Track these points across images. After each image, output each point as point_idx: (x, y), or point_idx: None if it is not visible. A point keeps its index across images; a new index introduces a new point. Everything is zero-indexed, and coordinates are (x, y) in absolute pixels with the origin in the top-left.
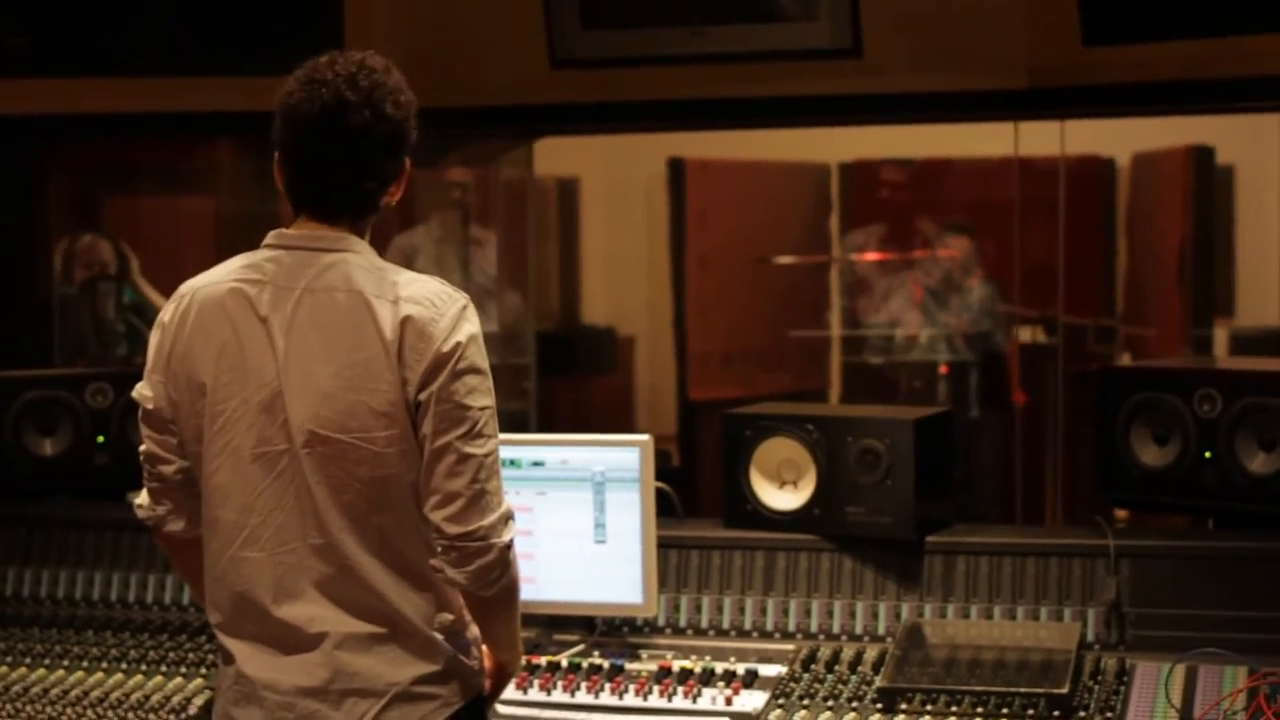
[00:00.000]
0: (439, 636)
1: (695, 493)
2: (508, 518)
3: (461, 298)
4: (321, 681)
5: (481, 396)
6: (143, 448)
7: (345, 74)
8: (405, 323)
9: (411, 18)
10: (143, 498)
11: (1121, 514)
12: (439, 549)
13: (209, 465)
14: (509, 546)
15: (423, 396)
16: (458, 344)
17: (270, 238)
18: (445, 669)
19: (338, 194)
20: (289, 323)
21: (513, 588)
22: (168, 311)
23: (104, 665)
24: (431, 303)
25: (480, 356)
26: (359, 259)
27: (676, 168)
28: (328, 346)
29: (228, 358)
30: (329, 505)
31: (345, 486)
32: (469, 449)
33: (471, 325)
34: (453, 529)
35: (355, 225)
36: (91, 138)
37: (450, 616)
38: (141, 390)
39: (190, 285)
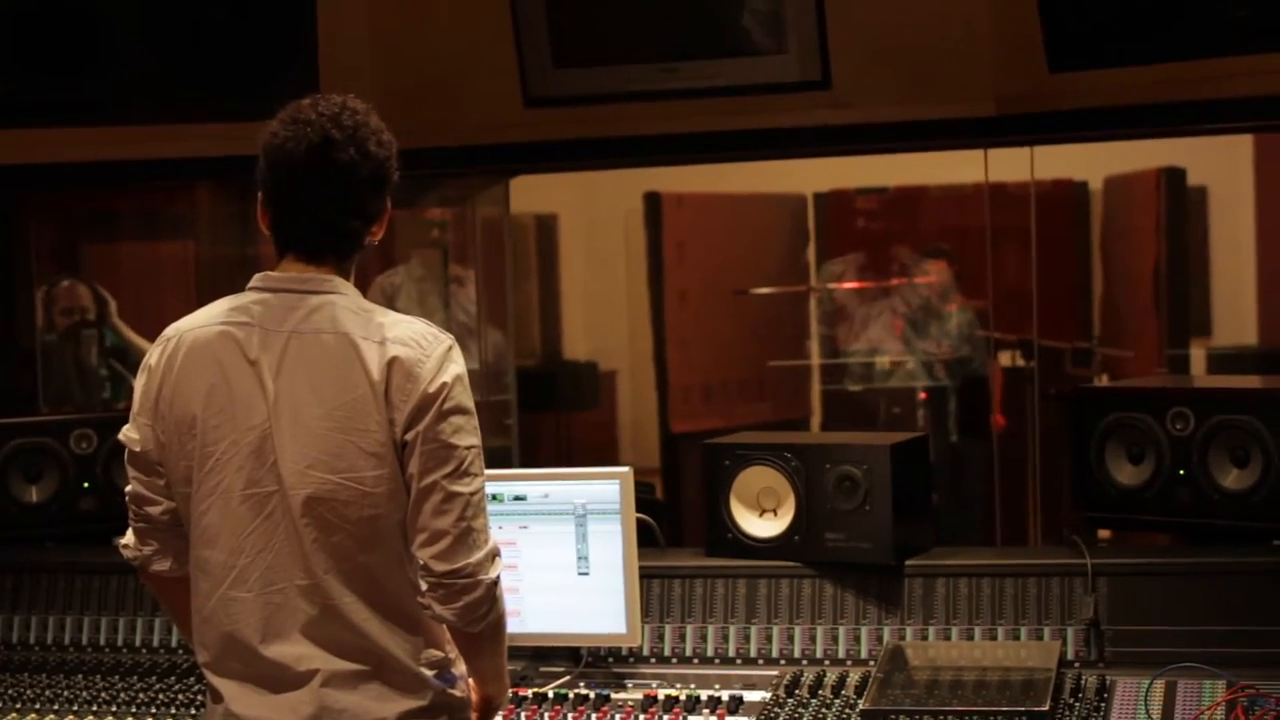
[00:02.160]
0: (426, 672)
1: (680, 524)
2: (495, 554)
3: (447, 338)
4: (308, 719)
5: (467, 435)
6: (129, 489)
7: (329, 114)
8: (392, 364)
9: (386, 60)
10: (128, 538)
11: (1105, 534)
12: (426, 586)
13: (198, 506)
14: (496, 583)
15: (409, 436)
16: (444, 384)
17: (256, 280)
18: (432, 704)
19: (323, 232)
20: (278, 365)
21: (499, 623)
22: (154, 354)
23: (94, 709)
24: (418, 344)
25: (466, 396)
26: (345, 300)
27: (653, 202)
28: (316, 389)
29: (216, 400)
30: (316, 546)
31: (334, 527)
32: (455, 487)
33: (457, 366)
34: (440, 566)
35: (340, 265)
36: (69, 186)
37: (437, 653)
38: (128, 433)
39: (177, 328)
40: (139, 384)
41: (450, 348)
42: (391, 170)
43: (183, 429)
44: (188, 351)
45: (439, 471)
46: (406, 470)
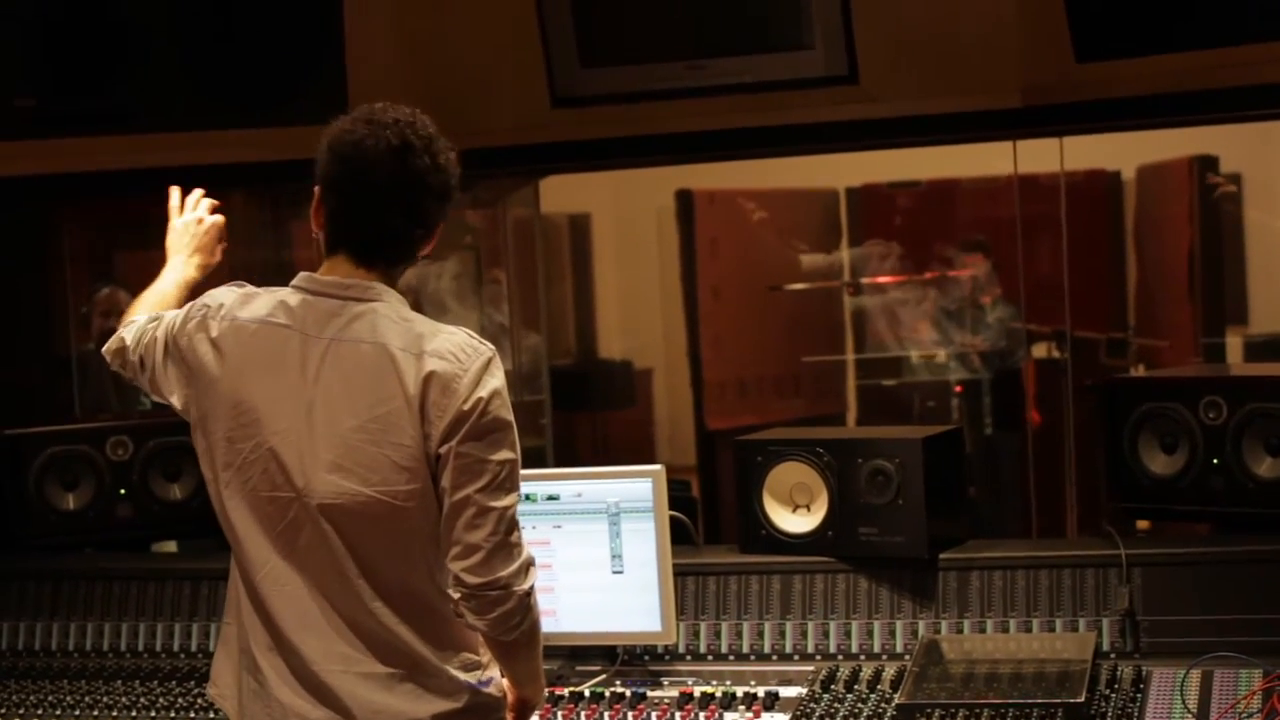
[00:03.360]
0: (460, 674)
1: (718, 521)
2: (529, 565)
3: (487, 350)
4: (346, 716)
5: (504, 450)
6: (134, 356)
7: (405, 119)
8: (429, 378)
9: (413, 64)
10: (114, 357)
11: (1143, 524)
12: (459, 596)
13: (228, 500)
14: (529, 593)
15: (443, 450)
16: (480, 399)
17: (301, 280)
18: (467, 706)
19: (383, 235)
20: (315, 372)
21: (534, 630)
22: (196, 323)
23: (133, 714)
24: (456, 357)
25: (505, 410)
26: (387, 309)
27: (685, 200)
28: (351, 398)
29: (248, 400)
30: (346, 554)
31: (364, 537)
32: (490, 502)
33: (495, 379)
34: (473, 579)
35: (389, 272)
36: (103, 194)
37: (471, 656)
38: (164, 375)
39: (225, 307)
40: (176, 336)
41: (489, 360)
42: (456, 186)
43: (213, 419)
44: (230, 344)
45: (473, 485)
46: (440, 483)
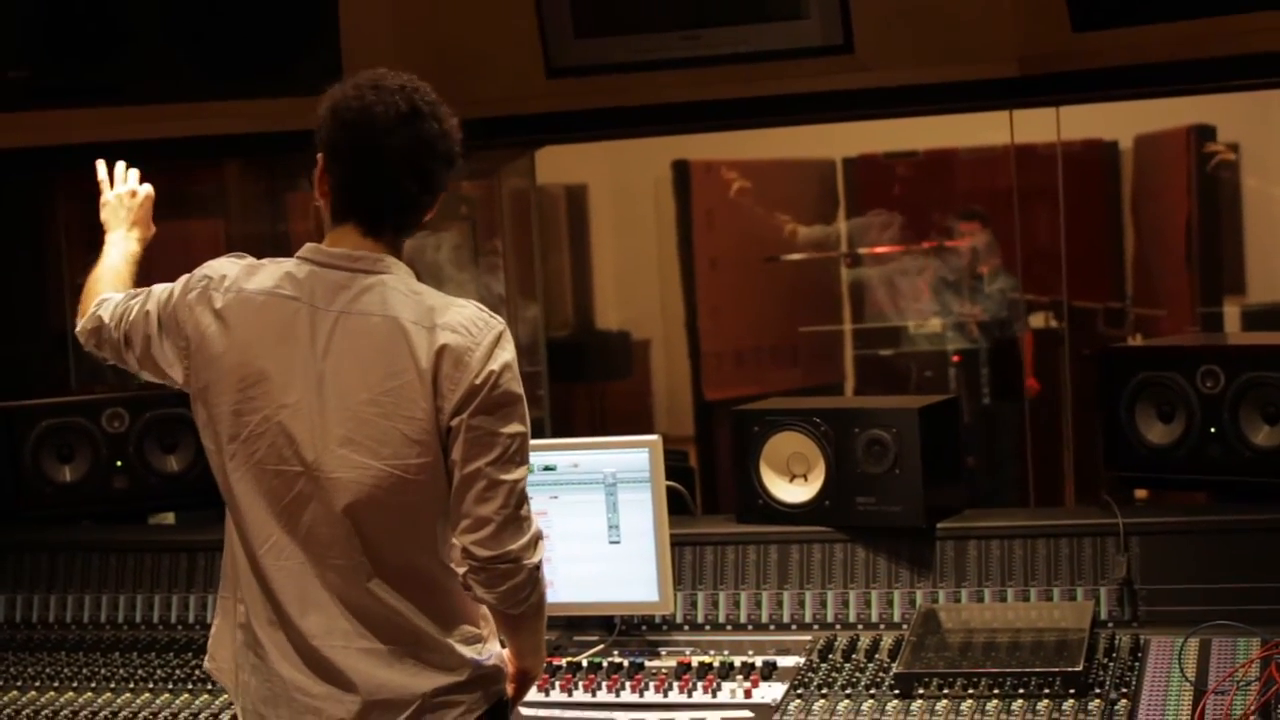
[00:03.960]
0: (461, 648)
1: (715, 492)
2: (538, 539)
3: (498, 324)
4: (348, 690)
5: (514, 423)
6: (117, 334)
7: (410, 85)
8: (441, 351)
9: (407, 34)
10: (87, 337)
11: (1142, 494)
12: (467, 569)
13: (232, 472)
14: (538, 566)
15: (454, 423)
16: (491, 372)
17: (306, 251)
18: (469, 679)
19: (392, 200)
20: (325, 345)
21: (540, 604)
22: (198, 294)
23: (131, 686)
24: (468, 330)
25: (515, 383)
26: (397, 281)
27: (681, 170)
28: (362, 371)
29: (255, 372)
30: (352, 529)
31: (372, 512)
32: (500, 475)
33: (506, 353)
34: (483, 552)
35: (395, 240)
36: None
37: (471, 629)
38: (160, 349)
39: (229, 278)
40: (175, 308)
41: (500, 334)
42: (459, 153)
43: (215, 391)
44: (235, 315)
45: (483, 458)
46: (450, 456)
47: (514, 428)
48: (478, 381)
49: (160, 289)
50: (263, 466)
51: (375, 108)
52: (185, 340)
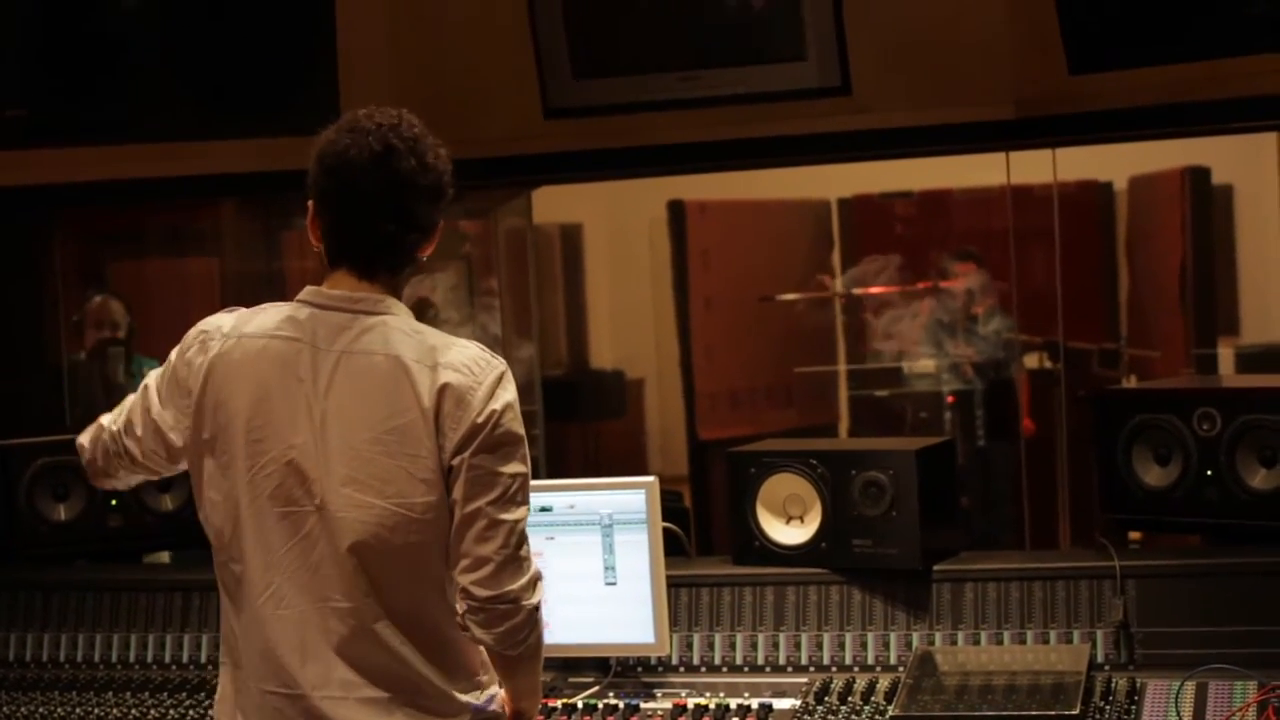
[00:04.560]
0: (461, 696)
1: (710, 532)
2: (536, 580)
3: (500, 364)
4: None
5: (515, 464)
6: (115, 427)
7: (389, 123)
8: (443, 390)
9: (405, 74)
10: (87, 440)
11: (1135, 536)
12: (466, 609)
13: (233, 517)
14: (537, 608)
15: (455, 461)
16: (493, 412)
17: (307, 294)
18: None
19: (379, 243)
20: (327, 385)
21: (538, 645)
22: (197, 350)
23: None
24: (470, 370)
25: (517, 424)
26: (398, 322)
27: (677, 210)
28: (365, 411)
29: (262, 415)
30: (357, 570)
31: (378, 552)
32: (500, 515)
33: (508, 393)
34: (482, 592)
35: (392, 280)
36: (95, 204)
37: (475, 676)
38: (161, 413)
39: (225, 328)
40: (176, 367)
41: (502, 374)
42: (449, 184)
43: (223, 439)
44: (238, 360)
45: (484, 498)
46: (451, 495)
47: (515, 468)
48: (479, 421)
49: (154, 373)
50: (269, 510)
51: (350, 151)
52: (188, 396)
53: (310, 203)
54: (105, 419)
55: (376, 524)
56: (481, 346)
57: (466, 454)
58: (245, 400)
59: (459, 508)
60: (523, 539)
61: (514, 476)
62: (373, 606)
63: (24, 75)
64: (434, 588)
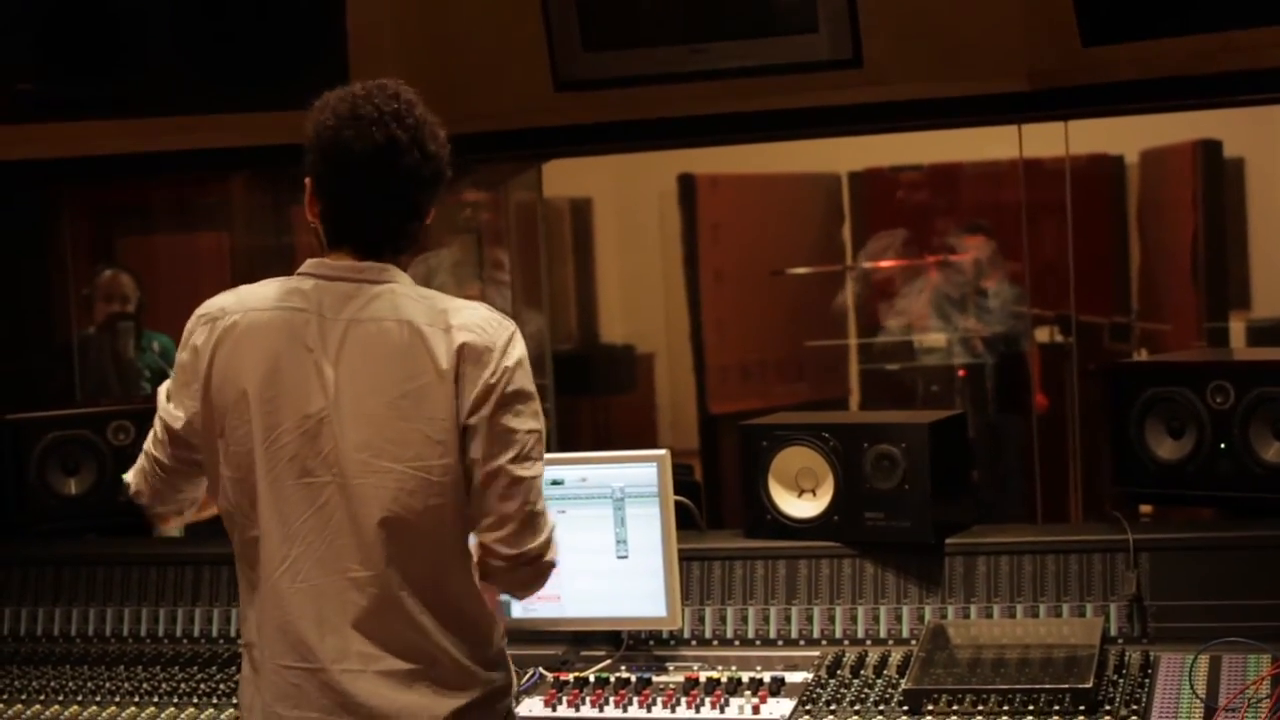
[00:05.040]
0: (477, 667)
1: (720, 505)
2: (552, 536)
3: (510, 324)
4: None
5: (530, 420)
6: (154, 453)
7: (390, 110)
8: (461, 350)
9: (415, 47)
10: (136, 481)
11: (1147, 509)
12: (487, 565)
13: (249, 492)
14: (554, 562)
15: (473, 421)
16: (507, 369)
17: (310, 266)
18: (484, 695)
19: (381, 231)
20: (337, 353)
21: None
22: (200, 332)
23: (136, 700)
24: (483, 329)
25: (529, 381)
26: (404, 289)
27: (687, 184)
28: (379, 376)
29: (272, 387)
30: (377, 538)
31: (397, 517)
32: (520, 472)
33: (520, 351)
34: (506, 550)
35: (394, 259)
36: (104, 179)
37: (490, 647)
38: (171, 410)
39: (226, 305)
40: (183, 360)
41: (513, 333)
42: (447, 168)
43: (235, 414)
44: (243, 333)
45: (503, 456)
46: (469, 455)
47: (531, 424)
48: (495, 380)
49: (165, 382)
50: (287, 480)
51: (353, 144)
52: (197, 379)
53: (308, 180)
54: (144, 446)
55: (396, 489)
56: (489, 307)
57: (484, 413)
58: (255, 373)
59: (479, 467)
60: (540, 494)
61: (530, 433)
62: (393, 575)
63: (33, 49)
64: (453, 554)
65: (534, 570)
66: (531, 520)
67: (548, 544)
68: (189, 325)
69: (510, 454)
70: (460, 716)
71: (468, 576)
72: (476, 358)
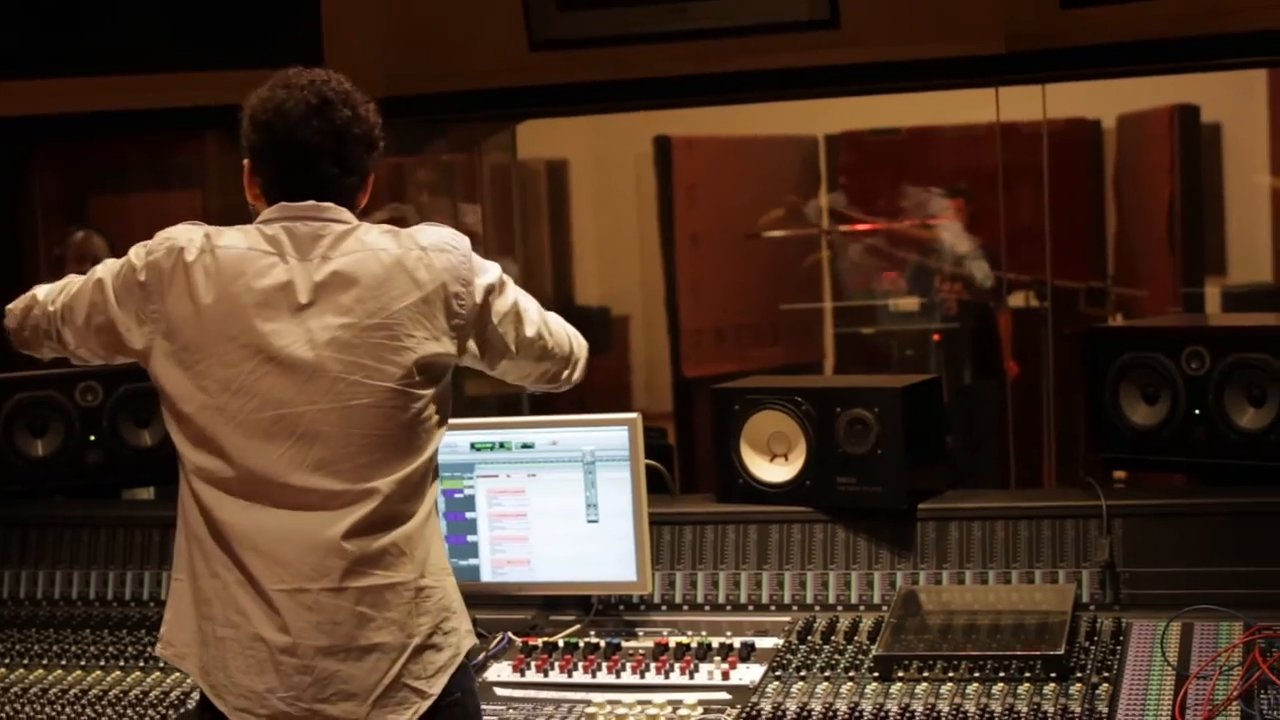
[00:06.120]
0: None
1: (693, 469)
2: (574, 356)
3: (463, 236)
4: (343, 639)
5: (510, 298)
6: (54, 308)
7: (320, 79)
8: (444, 270)
9: (389, 6)
10: (16, 305)
11: (1121, 475)
12: (543, 389)
13: (221, 427)
14: (585, 361)
15: (478, 327)
16: (487, 280)
17: (271, 212)
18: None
19: (325, 187)
20: (312, 289)
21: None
22: (159, 252)
23: (102, 663)
24: (453, 245)
25: (493, 272)
26: (367, 225)
27: (663, 146)
28: (355, 306)
29: (242, 320)
30: (348, 467)
31: (370, 441)
32: (528, 334)
33: (478, 255)
34: (551, 386)
35: None
36: (76, 137)
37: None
38: (122, 319)
39: (193, 237)
40: (137, 273)
41: (468, 242)
42: (379, 136)
43: (199, 345)
44: (215, 268)
45: (515, 334)
46: (483, 358)
47: (510, 301)
48: (477, 288)
49: (107, 263)
50: (259, 414)
51: (286, 104)
52: (157, 302)
53: (246, 161)
54: (40, 292)
55: (378, 407)
56: (439, 224)
57: (487, 325)
58: (223, 311)
59: (505, 355)
60: (548, 328)
61: (514, 304)
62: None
63: (5, 5)
64: (424, 476)
65: (567, 381)
66: (556, 360)
67: (575, 364)
68: (155, 242)
69: (514, 336)
70: (437, 634)
71: (431, 493)
72: (455, 275)
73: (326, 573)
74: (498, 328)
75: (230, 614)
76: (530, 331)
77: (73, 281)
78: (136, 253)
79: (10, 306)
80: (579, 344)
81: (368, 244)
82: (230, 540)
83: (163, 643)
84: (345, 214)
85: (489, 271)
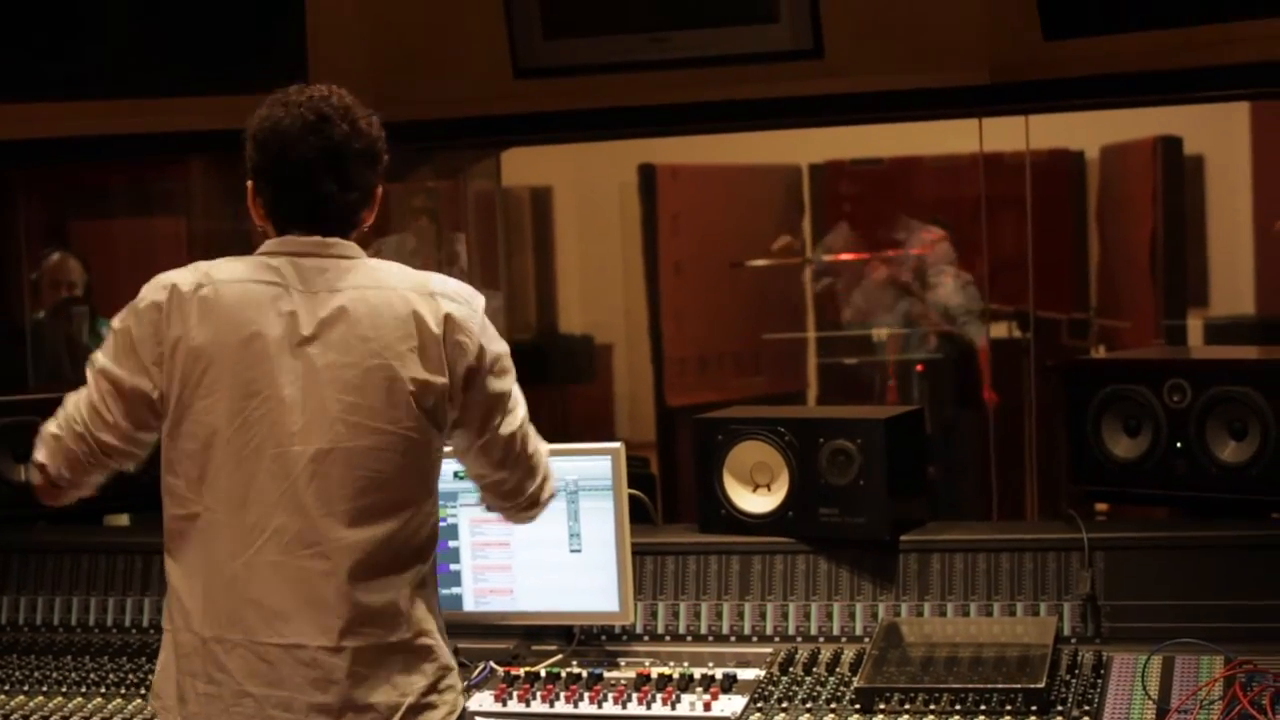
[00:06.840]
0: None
1: (676, 499)
2: (548, 474)
3: (478, 292)
4: (337, 698)
5: (508, 378)
6: (84, 409)
7: (319, 95)
8: (448, 319)
9: (374, 33)
10: (44, 457)
11: (1102, 507)
12: (495, 507)
13: (224, 466)
14: (552, 495)
15: (465, 389)
16: (489, 340)
17: (275, 244)
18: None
19: (324, 205)
20: (315, 323)
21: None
22: (166, 303)
23: (83, 690)
24: (465, 299)
25: (499, 342)
26: (374, 262)
27: (647, 174)
28: (358, 344)
29: (248, 357)
30: (346, 510)
31: (368, 484)
32: (507, 429)
33: (486, 319)
34: (506, 503)
35: (345, 239)
36: (59, 162)
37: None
38: (136, 381)
39: (191, 278)
40: (133, 332)
41: (482, 300)
42: (382, 149)
43: (203, 386)
44: (218, 303)
45: (493, 420)
46: (462, 424)
47: (509, 381)
48: (479, 348)
49: (96, 353)
50: (260, 452)
51: (283, 122)
52: (160, 345)
53: (249, 183)
54: (51, 429)
55: (372, 449)
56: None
57: (476, 380)
58: (229, 344)
59: (473, 436)
60: (527, 438)
61: (510, 391)
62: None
63: None
64: (424, 512)
65: (530, 506)
66: (527, 472)
67: (542, 485)
68: (146, 291)
69: (495, 420)
70: (432, 693)
71: (426, 537)
72: (460, 327)
73: (326, 630)
74: (481, 401)
75: (212, 671)
76: (507, 430)
77: (72, 396)
78: (124, 315)
79: (36, 459)
80: (550, 483)
81: (376, 280)
82: (219, 591)
83: (152, 694)
84: (352, 248)
85: (498, 342)
